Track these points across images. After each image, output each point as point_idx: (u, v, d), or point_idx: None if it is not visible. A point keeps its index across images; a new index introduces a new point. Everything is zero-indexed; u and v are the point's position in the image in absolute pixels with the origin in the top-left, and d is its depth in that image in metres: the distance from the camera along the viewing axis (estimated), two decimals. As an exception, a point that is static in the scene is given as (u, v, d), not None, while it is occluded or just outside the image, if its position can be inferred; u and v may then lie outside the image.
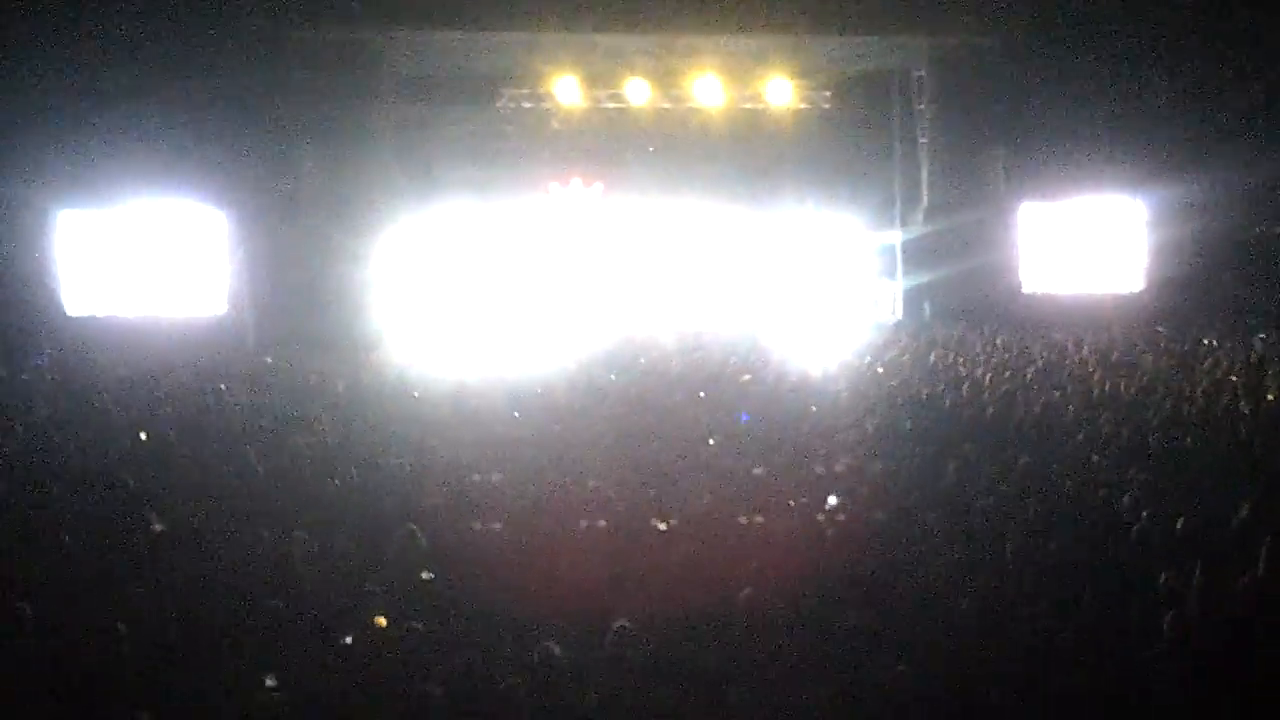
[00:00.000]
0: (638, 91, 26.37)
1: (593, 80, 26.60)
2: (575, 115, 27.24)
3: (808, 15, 24.32)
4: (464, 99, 27.27)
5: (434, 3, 23.43)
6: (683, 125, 27.57)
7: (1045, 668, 6.53)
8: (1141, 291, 26.75)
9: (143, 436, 12.72)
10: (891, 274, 27.32)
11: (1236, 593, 7.23)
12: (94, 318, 23.05)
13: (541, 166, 27.67)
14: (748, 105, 27.48)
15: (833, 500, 10.02)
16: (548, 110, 27.22)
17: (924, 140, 26.89)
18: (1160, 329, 22.00)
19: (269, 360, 19.70)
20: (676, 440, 12.73)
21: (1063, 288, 26.91)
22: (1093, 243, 27.02)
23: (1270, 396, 14.33)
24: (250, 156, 23.62)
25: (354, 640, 6.92)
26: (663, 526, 9.19)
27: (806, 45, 25.49)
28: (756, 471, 11.30)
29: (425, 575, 7.89)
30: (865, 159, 28.18)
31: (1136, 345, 19.95)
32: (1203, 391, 14.66)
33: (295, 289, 22.89)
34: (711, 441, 12.81)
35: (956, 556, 8.30)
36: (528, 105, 27.26)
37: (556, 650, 6.54)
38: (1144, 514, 8.80)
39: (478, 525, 9.31)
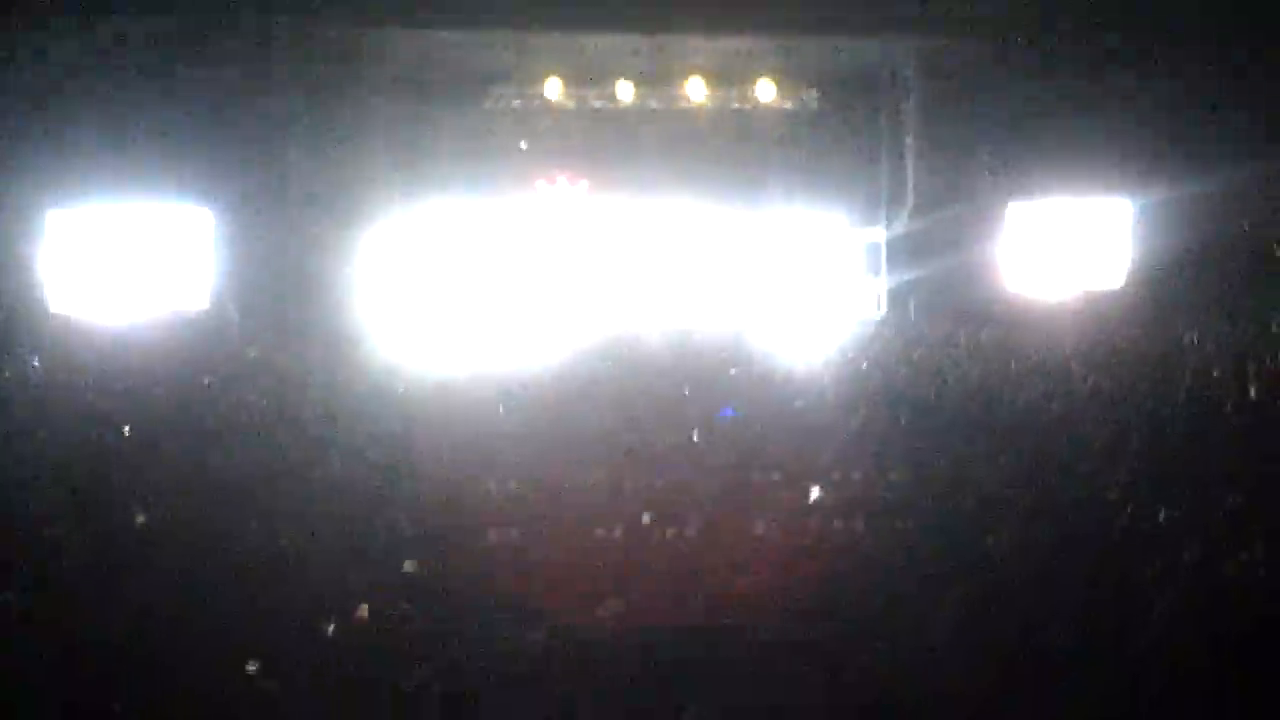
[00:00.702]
0: (625, 90, 26.39)
1: (580, 79, 26.62)
2: (563, 114, 27.25)
3: (795, 15, 24.31)
4: (451, 97, 27.24)
5: (421, 1, 23.40)
6: (670, 124, 27.59)
7: (1031, 666, 6.54)
8: (1126, 290, 26.78)
9: (125, 431, 12.70)
10: (876, 272, 27.37)
11: (1222, 590, 7.24)
12: (77, 315, 22.93)
13: (529, 164, 27.66)
14: (735, 105, 27.52)
15: (817, 496, 10.02)
16: (536, 109, 27.22)
17: (910, 140, 26.92)
18: (1144, 328, 22.02)
19: (253, 356, 19.65)
20: (661, 436, 12.75)
21: (1048, 287, 26.93)
22: (1078, 242, 27.06)
23: (1253, 394, 14.36)
24: (237, 153, 23.51)
25: (340, 634, 6.91)
26: (647, 521, 9.19)
27: (793, 45, 25.51)
28: (741, 467, 11.30)
29: (409, 568, 7.88)
30: (851, 158, 28.22)
31: (1120, 344, 19.98)
32: (1186, 389, 14.69)
33: (280, 285, 22.85)
34: (696, 438, 12.82)
35: (942, 553, 8.31)
36: (516, 104, 27.26)
37: (539, 645, 6.55)
38: (1128, 511, 8.83)
39: (463, 520, 9.30)
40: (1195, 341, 19.82)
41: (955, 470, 10.66)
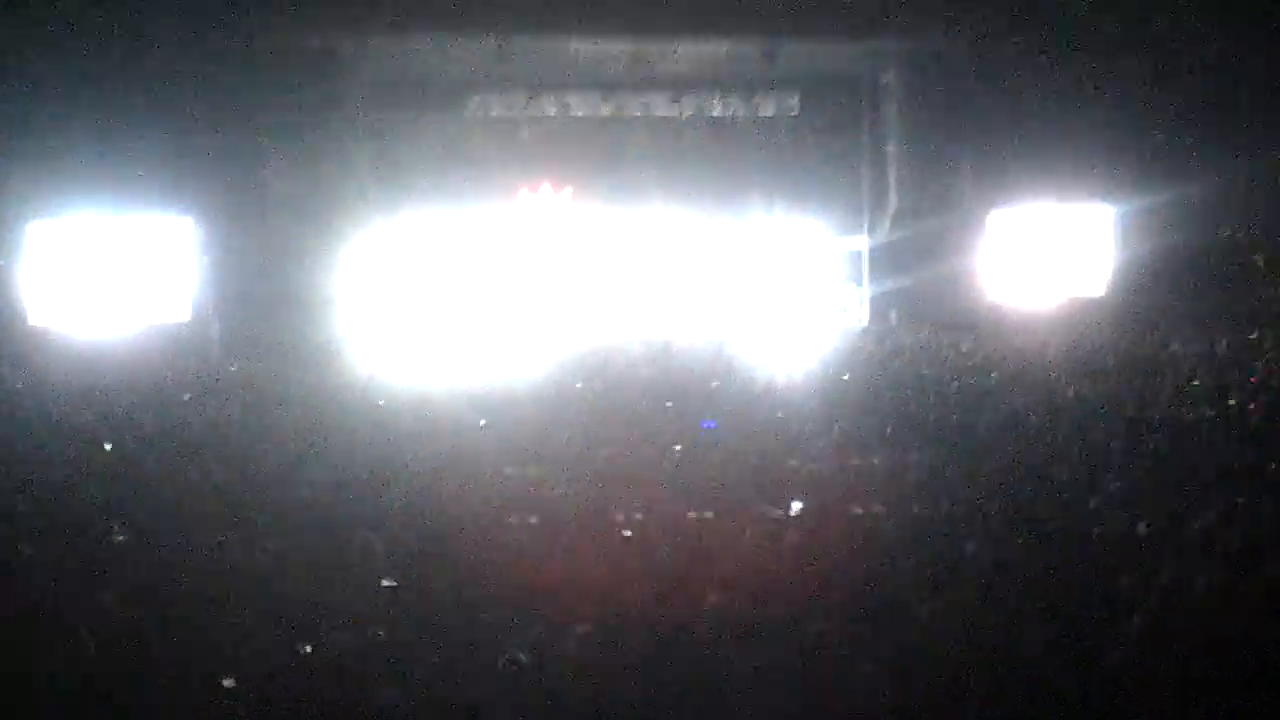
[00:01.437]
0: (606, 98, 26.38)
1: (561, 87, 26.61)
2: (543, 122, 27.23)
3: (775, 21, 24.35)
4: (432, 106, 27.20)
5: (402, 9, 23.35)
6: (651, 131, 27.59)
7: (1014, 671, 6.53)
8: (1108, 298, 26.86)
9: (106, 446, 12.65)
10: (859, 280, 27.40)
11: (1204, 596, 7.25)
12: (56, 326, 22.84)
13: (510, 173, 27.62)
14: (716, 112, 27.54)
15: (799, 506, 10.01)
16: (517, 117, 27.20)
17: (891, 146, 26.97)
18: (1126, 335, 22.08)
19: (233, 368, 19.61)
20: (642, 447, 12.72)
21: (1030, 294, 26.98)
22: (1060, 249, 27.13)
23: (1234, 401, 14.41)
24: (217, 163, 23.46)
25: (317, 649, 6.88)
26: (628, 533, 9.17)
27: (775, 51, 25.52)
28: (722, 478, 11.29)
29: (386, 583, 7.85)
30: (833, 165, 28.22)
31: (1102, 351, 20.03)
32: (1166, 396, 14.75)
33: (261, 296, 22.77)
34: (678, 448, 12.80)
35: (923, 562, 8.31)
36: (496, 112, 27.23)
37: (521, 657, 6.53)
38: (1109, 517, 8.85)
39: (441, 532, 9.26)
40: (1177, 349, 19.89)
41: (937, 479, 10.67)
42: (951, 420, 13.60)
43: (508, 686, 6.39)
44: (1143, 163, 25.44)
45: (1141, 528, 8.59)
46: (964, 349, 20.53)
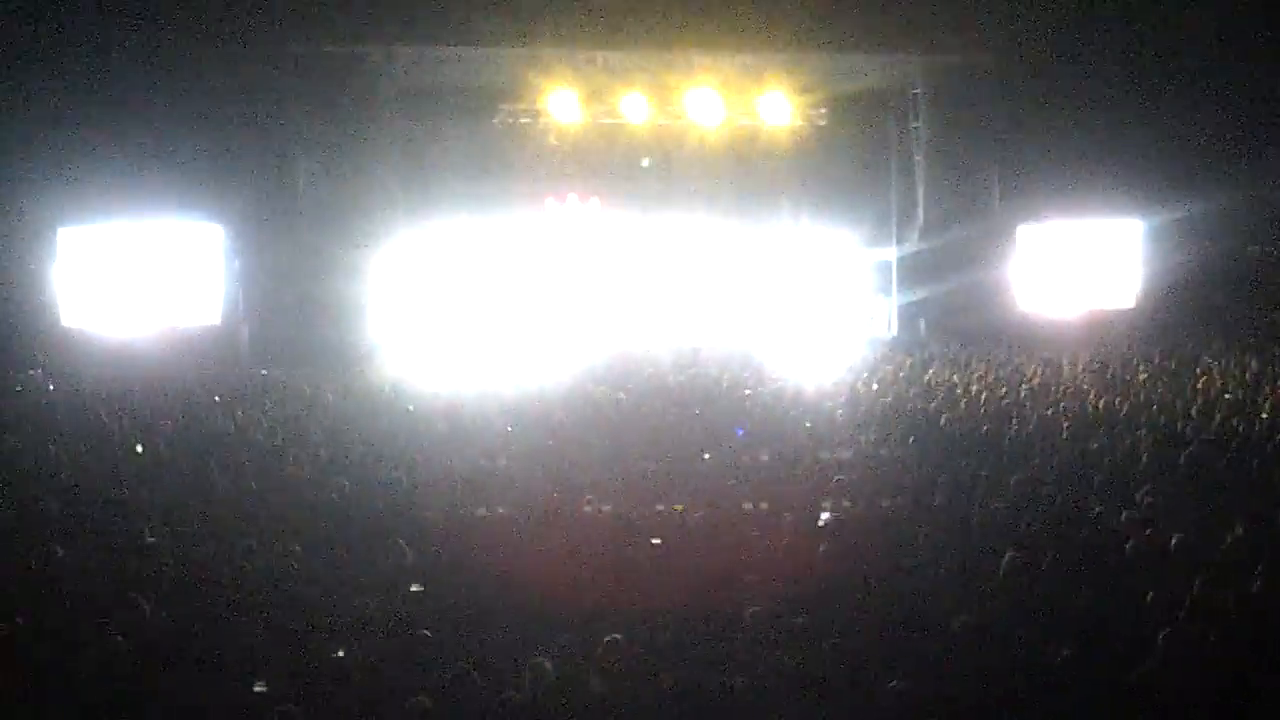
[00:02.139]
0: (634, 107, 26.37)
1: (590, 96, 26.61)
2: (572, 131, 27.25)
3: (804, 33, 24.35)
4: (461, 114, 27.26)
5: (431, 18, 23.43)
6: (679, 141, 27.58)
7: (1041, 684, 6.52)
8: (1135, 310, 26.77)
9: (138, 449, 12.72)
10: (887, 291, 27.35)
11: (1232, 609, 7.22)
12: (89, 330, 22.98)
13: (538, 181, 27.65)
14: (744, 122, 27.52)
15: (828, 515, 10.01)
16: (545, 125, 27.21)
17: (920, 158, 26.91)
18: (1154, 348, 22.00)
19: (263, 372, 19.69)
20: (673, 455, 12.74)
21: (1057, 306, 26.90)
22: (1087, 261, 27.05)
23: (1265, 414, 14.34)
24: (248, 170, 23.59)
25: (347, 652, 6.91)
26: (658, 541, 9.18)
27: (803, 62, 25.51)
28: (752, 486, 11.30)
29: (416, 588, 7.88)
30: (861, 176, 28.18)
31: (1130, 363, 19.96)
32: (1197, 409, 14.69)
33: (290, 301, 22.87)
34: (708, 456, 12.81)
35: (953, 572, 8.30)
36: (525, 120, 27.26)
37: (549, 664, 6.54)
38: (1139, 530, 8.81)
39: (471, 538, 9.29)
40: (1206, 362, 19.81)
41: (966, 489, 10.65)
42: (979, 432, 13.56)
43: (534, 693, 6.40)
44: (1171, 177, 25.33)
45: (1172, 540, 8.55)
46: (991, 359, 20.48)
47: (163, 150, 22.48)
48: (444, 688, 6.39)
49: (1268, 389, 16.49)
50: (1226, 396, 15.99)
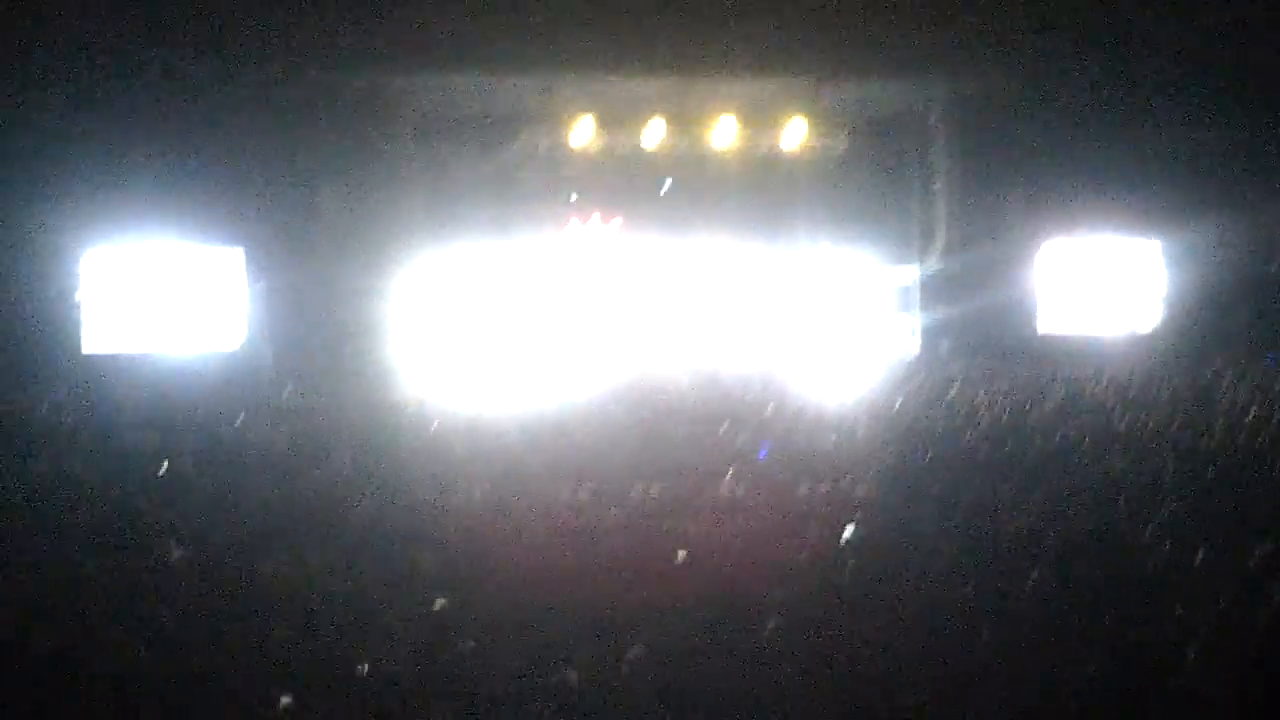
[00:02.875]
0: (655, 133, 26.44)
1: (610, 121, 26.69)
2: (593, 156, 27.32)
3: (824, 58, 24.42)
4: (482, 139, 27.37)
5: (451, 45, 23.55)
6: (700, 166, 27.63)
7: (1069, 703, 6.49)
8: (1159, 330, 26.70)
9: (160, 471, 12.76)
10: (909, 310, 27.31)
11: (1259, 634, 7.17)
12: (112, 353, 23.11)
13: (559, 206, 27.71)
14: (765, 146, 27.56)
15: (850, 534, 9.97)
16: (565, 151, 27.29)
17: (941, 179, 26.92)
18: (1179, 368, 21.92)
19: (285, 395, 19.74)
20: (694, 475, 12.72)
21: (1081, 327, 26.85)
22: (1111, 281, 27.00)
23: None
24: (271, 194, 23.76)
25: (370, 671, 6.91)
26: (680, 558, 9.16)
27: (823, 87, 25.58)
28: (774, 506, 11.27)
29: (438, 605, 7.88)
30: (882, 197, 28.17)
31: (1155, 384, 19.89)
32: (1220, 427, 14.62)
33: (313, 325, 22.98)
34: (729, 476, 12.78)
35: (976, 592, 8.26)
36: (546, 144, 27.35)
37: (574, 678, 6.53)
38: (1162, 551, 8.77)
39: (493, 557, 9.29)
40: (1230, 382, 19.72)
41: (989, 512, 10.61)
42: (1003, 451, 13.52)
43: (559, 709, 6.39)
44: (1196, 195, 25.29)
45: (1197, 561, 8.49)
46: (1016, 380, 20.42)
47: (184, 173, 22.65)
48: (467, 704, 6.38)
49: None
50: (1250, 416, 15.91)
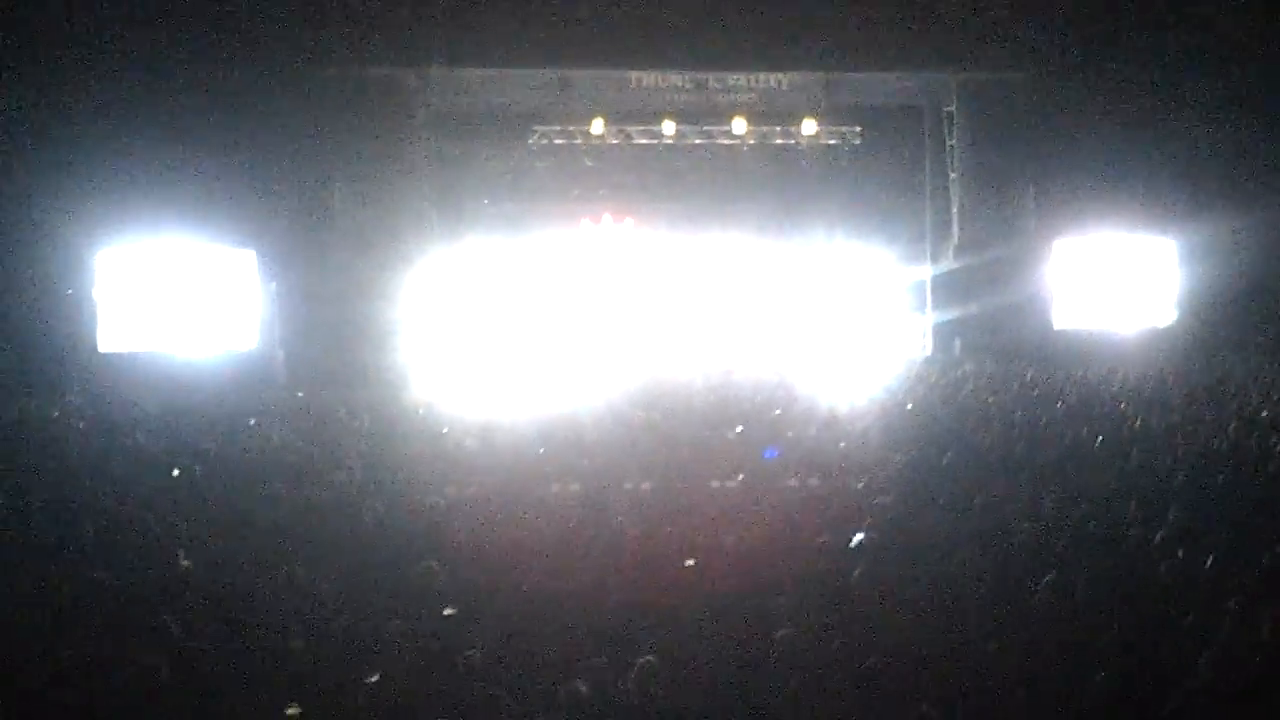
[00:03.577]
0: (669, 128, 26.44)
1: (624, 117, 26.70)
2: (607, 151, 27.33)
3: (837, 52, 24.41)
4: (496, 136, 27.41)
5: (466, 40, 23.57)
6: (713, 161, 27.65)
7: (1081, 703, 6.47)
8: (1174, 327, 26.64)
9: (174, 472, 12.78)
10: (922, 309, 27.28)
11: (1272, 630, 7.14)
12: (127, 353, 23.19)
13: (573, 202, 27.74)
14: (778, 141, 27.55)
15: (862, 537, 9.95)
16: (579, 146, 27.32)
17: (954, 175, 26.87)
18: (1192, 365, 21.86)
19: (299, 394, 19.78)
20: (705, 476, 12.71)
21: (1095, 323, 26.79)
22: (1125, 278, 26.94)
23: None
24: (283, 194, 23.82)
25: (381, 677, 6.91)
26: (691, 563, 9.15)
27: (836, 81, 25.54)
28: (785, 507, 11.25)
29: (449, 612, 7.87)
30: (895, 194, 28.19)
31: (1169, 381, 19.82)
32: (1236, 427, 14.55)
33: (326, 325, 23.02)
34: (741, 477, 12.77)
35: (988, 593, 8.23)
36: (560, 141, 27.37)
37: (583, 688, 6.52)
38: (1177, 551, 8.73)
39: (504, 562, 9.28)
40: (1244, 379, 19.65)
41: (1001, 509, 10.58)
42: (1016, 450, 13.48)
43: (569, 716, 6.38)
44: (1209, 191, 25.21)
45: (1209, 560, 8.46)
46: (1028, 378, 20.37)
47: (197, 173, 22.71)
48: (477, 711, 6.37)
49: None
50: (1264, 414, 15.85)
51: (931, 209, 27.66)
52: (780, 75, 25.36)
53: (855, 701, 6.64)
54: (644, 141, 27.27)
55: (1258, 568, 8.42)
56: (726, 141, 27.34)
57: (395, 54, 23.72)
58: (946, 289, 26.40)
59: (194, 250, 23.85)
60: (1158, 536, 9.30)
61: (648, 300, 27.54)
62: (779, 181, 27.87)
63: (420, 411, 17.66)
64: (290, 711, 6.58)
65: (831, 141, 27.97)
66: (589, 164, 27.68)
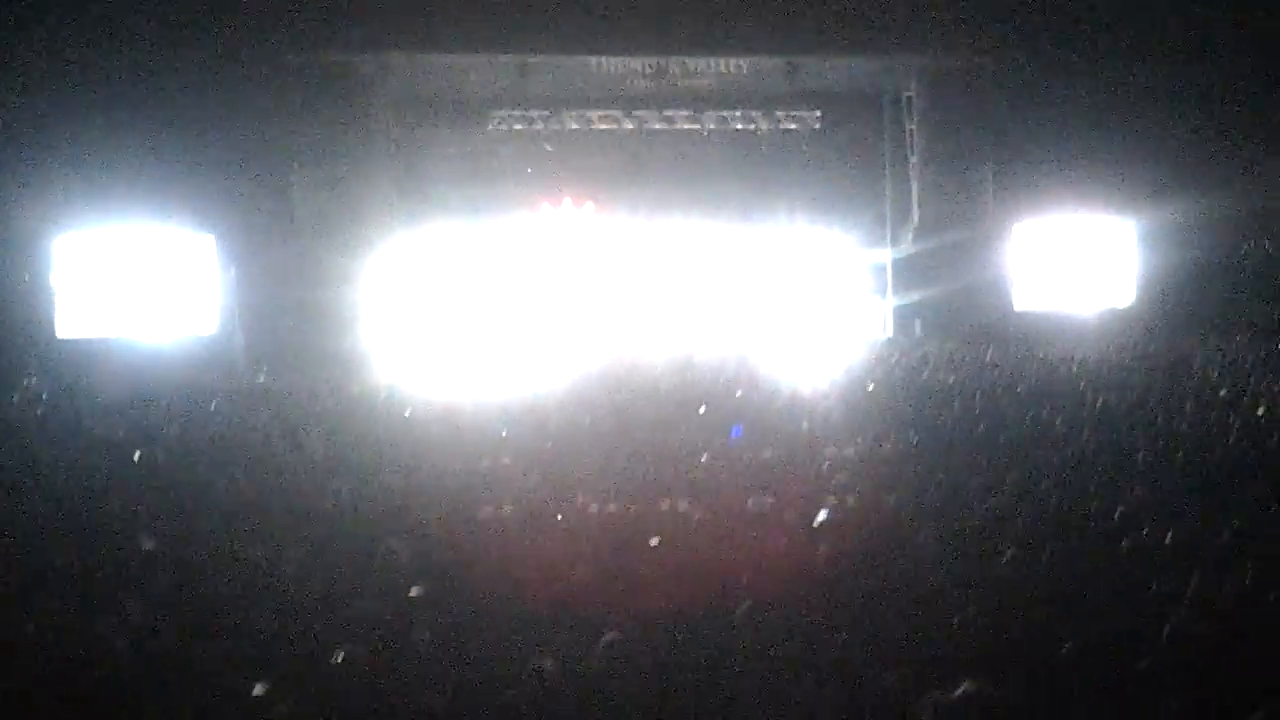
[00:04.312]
0: (629, 112, 26.42)
1: (584, 101, 26.67)
2: (566, 136, 27.29)
3: (798, 36, 24.43)
4: (455, 120, 27.32)
5: (425, 25, 23.47)
6: (674, 145, 27.63)
7: (1042, 681, 6.50)
8: (1132, 308, 26.84)
9: (135, 457, 12.71)
10: (883, 292, 27.38)
11: (1231, 604, 7.21)
12: (85, 339, 23.01)
13: (533, 187, 27.67)
14: (738, 126, 27.57)
15: (825, 515, 9.99)
16: (538, 131, 27.26)
17: (914, 159, 26.97)
18: (1151, 346, 22.03)
19: (259, 379, 19.69)
20: (668, 458, 12.72)
21: (1054, 305, 26.96)
22: (1083, 260, 27.12)
23: (1260, 409, 14.34)
24: (243, 178, 23.68)
25: (346, 658, 6.89)
26: (655, 542, 9.16)
27: (797, 65, 25.56)
28: (748, 487, 11.27)
29: (414, 592, 7.86)
30: (856, 178, 28.25)
31: (1128, 362, 19.98)
32: (1193, 405, 14.69)
33: (286, 309, 22.91)
34: (704, 459, 12.79)
35: (950, 571, 8.28)
36: (519, 126, 27.30)
37: (549, 665, 6.52)
38: (1135, 528, 8.81)
39: (468, 542, 9.27)
40: (1202, 360, 19.82)
41: (963, 490, 10.64)
42: (976, 430, 13.56)
43: (534, 695, 6.38)
44: (1167, 174, 25.40)
45: (1169, 536, 8.54)
46: (988, 360, 20.48)
47: (156, 158, 22.55)
48: (444, 690, 6.37)
49: (1264, 384, 16.51)
50: (1223, 393, 16.00)
51: (891, 192, 27.77)
52: (740, 60, 25.36)
53: (820, 676, 6.66)
54: (604, 127, 27.24)
55: (1217, 543, 8.50)
56: (687, 126, 27.36)
57: (355, 40, 23.60)
58: (907, 271, 26.51)
59: (152, 235, 23.66)
60: (1118, 513, 9.38)
61: (609, 284, 27.52)
62: (739, 166, 27.87)
63: (382, 394, 17.60)
64: (256, 693, 6.55)
65: (792, 126, 28.00)
66: (549, 149, 27.61)
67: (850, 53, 25.38)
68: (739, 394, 16.93)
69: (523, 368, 19.83)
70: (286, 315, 22.85)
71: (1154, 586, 7.50)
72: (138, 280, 23.64)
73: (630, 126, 27.08)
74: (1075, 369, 19.22)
